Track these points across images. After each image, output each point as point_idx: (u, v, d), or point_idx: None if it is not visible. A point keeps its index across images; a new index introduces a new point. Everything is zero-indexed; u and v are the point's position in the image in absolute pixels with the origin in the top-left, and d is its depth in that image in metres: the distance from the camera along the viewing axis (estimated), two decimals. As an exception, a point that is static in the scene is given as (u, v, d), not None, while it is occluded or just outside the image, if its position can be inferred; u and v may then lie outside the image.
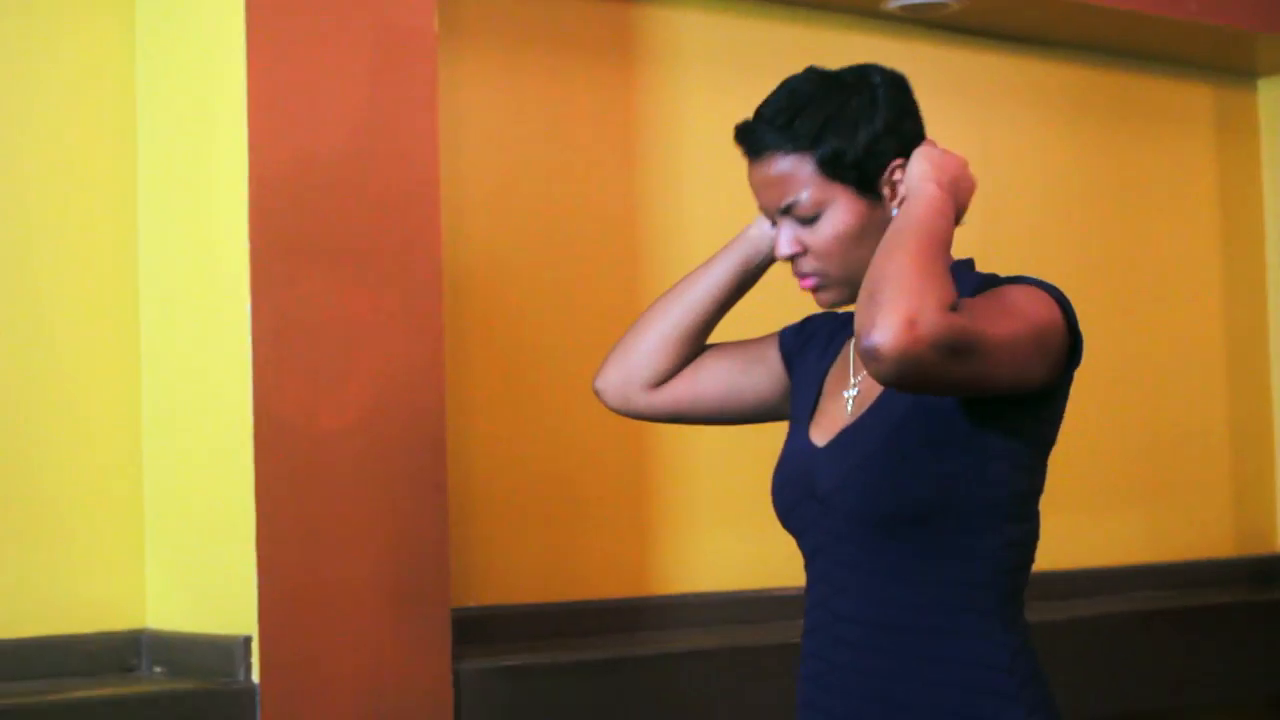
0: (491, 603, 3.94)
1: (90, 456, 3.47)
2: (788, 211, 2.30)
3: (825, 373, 2.41)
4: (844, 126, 2.28)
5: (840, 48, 4.64)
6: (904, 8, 4.61)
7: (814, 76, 2.35)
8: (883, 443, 2.24)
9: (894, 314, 2.06)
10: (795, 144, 2.28)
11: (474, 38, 4.02)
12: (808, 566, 2.36)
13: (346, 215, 3.42)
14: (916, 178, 2.28)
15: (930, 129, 5.09)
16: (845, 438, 2.28)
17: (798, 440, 2.37)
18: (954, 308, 2.11)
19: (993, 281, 2.33)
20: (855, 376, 2.34)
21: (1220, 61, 5.35)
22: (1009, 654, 2.26)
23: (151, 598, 3.52)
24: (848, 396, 2.34)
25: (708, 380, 2.51)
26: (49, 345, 3.45)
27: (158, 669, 3.48)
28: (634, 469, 4.20)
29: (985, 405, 2.22)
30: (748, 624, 4.24)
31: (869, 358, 2.07)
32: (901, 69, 4.93)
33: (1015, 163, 4.98)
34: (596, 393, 2.58)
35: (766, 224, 2.44)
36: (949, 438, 2.23)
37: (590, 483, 4.13)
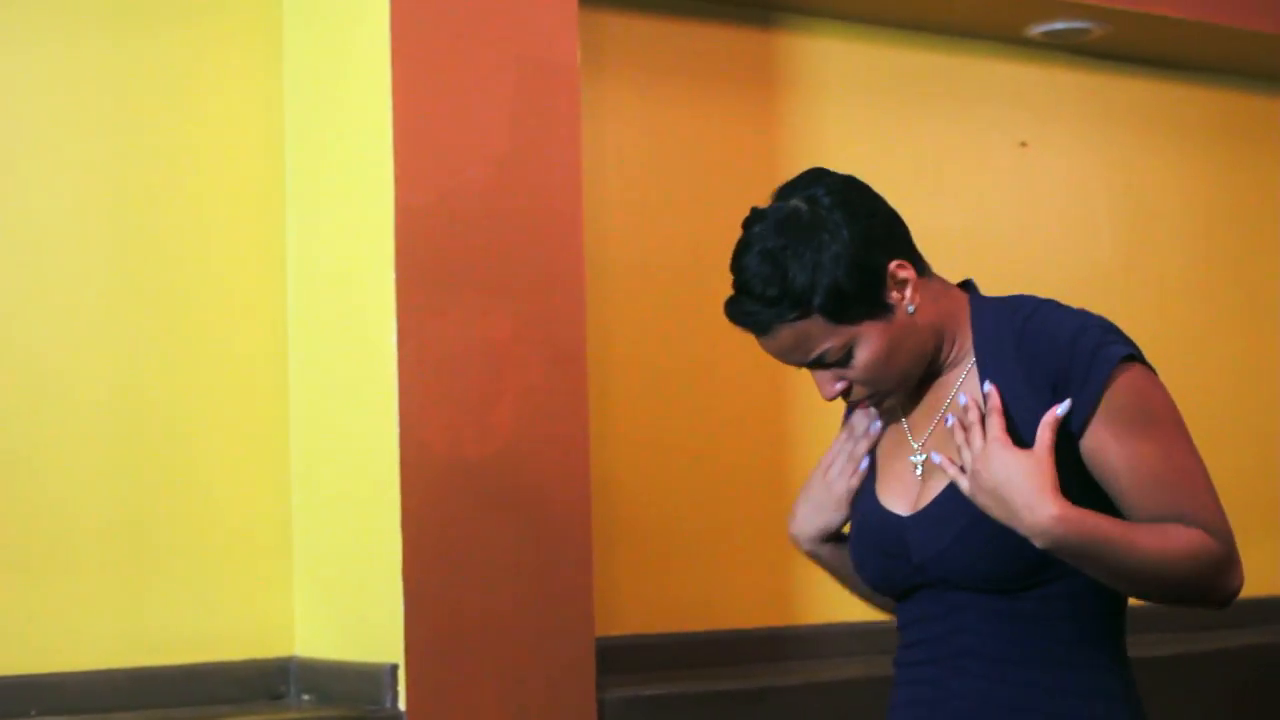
0: (635, 632, 3.93)
1: (240, 488, 3.52)
2: (818, 364, 2.28)
3: (876, 437, 2.41)
4: (828, 269, 2.21)
5: (982, 75, 4.61)
6: (1046, 34, 4.57)
7: (773, 226, 2.28)
8: (980, 515, 2.20)
9: (1229, 583, 2.26)
10: (796, 310, 2.22)
11: (616, 69, 4.04)
12: (908, 605, 2.36)
13: (491, 246, 3.44)
14: (1030, 532, 2.18)
15: (1073, 155, 5.07)
16: (936, 509, 2.28)
17: (870, 506, 2.36)
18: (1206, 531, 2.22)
19: (1028, 310, 2.31)
20: (916, 442, 2.34)
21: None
22: (1123, 685, 2.29)
23: (300, 626, 3.55)
24: (915, 462, 2.33)
25: None
26: (199, 377, 3.50)
27: (306, 696, 3.51)
28: (777, 496, 4.18)
29: (1085, 475, 2.22)
30: (892, 654, 4.20)
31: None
32: (1043, 95, 4.93)
33: (1159, 187, 4.92)
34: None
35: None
36: None
37: (734, 511, 4.12)
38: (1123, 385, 2.20)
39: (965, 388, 2.30)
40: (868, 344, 2.25)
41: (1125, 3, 4.45)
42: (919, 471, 2.32)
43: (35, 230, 3.38)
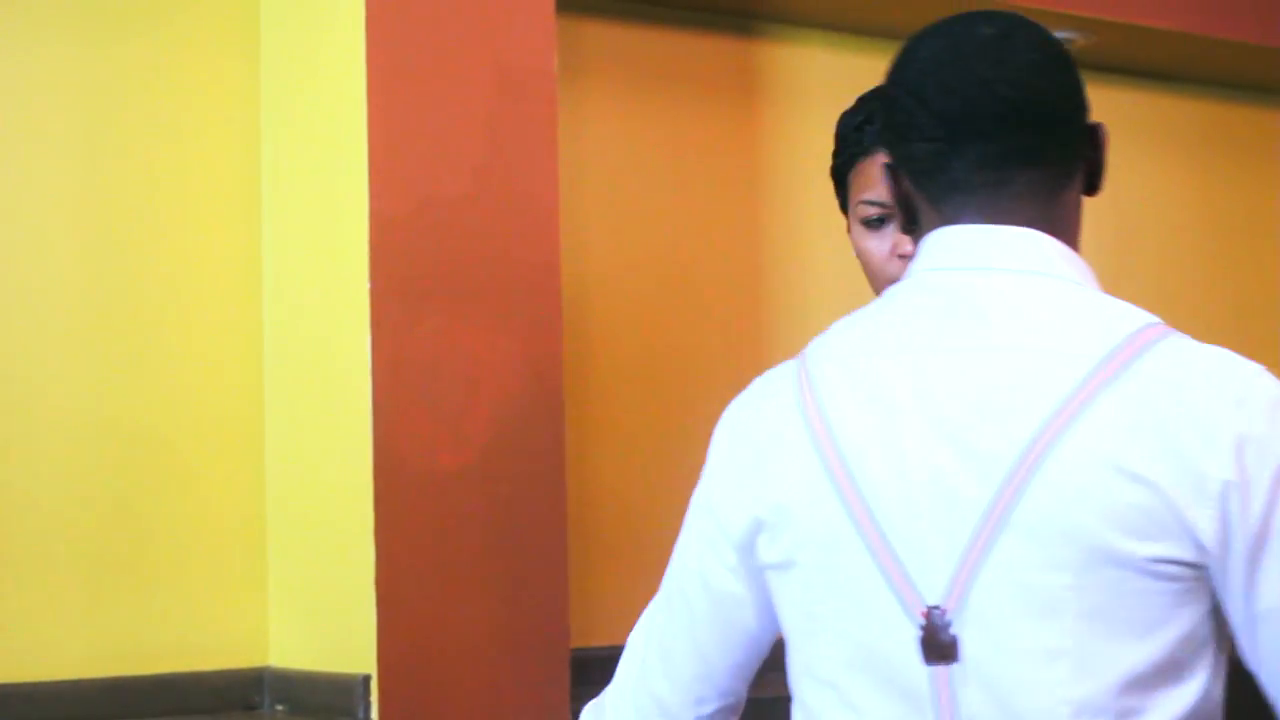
0: (610, 643, 3.91)
1: (214, 496, 3.50)
2: None
3: None
4: None
5: (964, 85, 4.60)
6: (1029, 44, 4.56)
7: None
8: None
9: None
10: None
11: (594, 78, 4.03)
12: None
13: (467, 256, 3.43)
14: None
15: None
16: None
17: None
18: None
19: None
20: None
21: (1354, 96, 5.26)
22: None
23: (274, 636, 3.54)
24: None
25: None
26: (172, 386, 3.48)
27: (279, 707, 3.50)
28: (755, 509, 4.17)
29: None
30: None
31: None
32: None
33: (1142, 199, 4.92)
34: None
35: None
36: None
37: (711, 523, 4.10)
38: None
39: None
40: None
41: (1110, 14, 4.45)
42: None
43: (5, 237, 3.37)
